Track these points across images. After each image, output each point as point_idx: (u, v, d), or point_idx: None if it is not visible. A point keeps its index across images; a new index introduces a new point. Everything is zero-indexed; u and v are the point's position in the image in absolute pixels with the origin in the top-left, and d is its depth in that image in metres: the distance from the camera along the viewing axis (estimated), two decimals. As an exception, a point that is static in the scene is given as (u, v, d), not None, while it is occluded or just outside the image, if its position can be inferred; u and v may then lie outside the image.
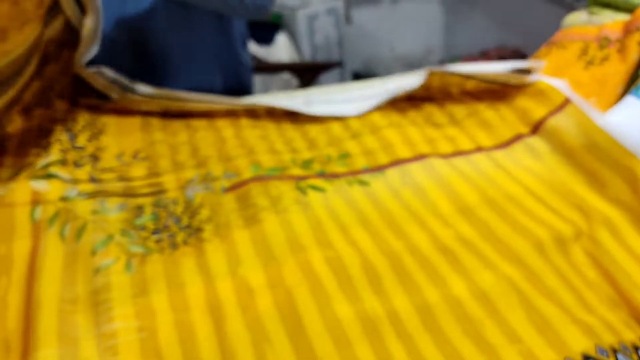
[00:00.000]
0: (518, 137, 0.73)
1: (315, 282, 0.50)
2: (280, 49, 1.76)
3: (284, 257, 0.52)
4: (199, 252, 0.53)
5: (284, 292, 0.49)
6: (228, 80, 0.96)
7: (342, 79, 2.10)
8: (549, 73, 0.79)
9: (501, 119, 0.76)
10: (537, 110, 0.74)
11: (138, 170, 0.65)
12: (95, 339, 0.45)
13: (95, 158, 0.64)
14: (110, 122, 0.69)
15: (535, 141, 0.72)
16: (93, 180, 0.62)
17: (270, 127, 0.76)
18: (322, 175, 0.66)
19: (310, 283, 0.49)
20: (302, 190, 0.62)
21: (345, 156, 0.69)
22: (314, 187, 0.63)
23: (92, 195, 0.60)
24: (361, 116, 0.77)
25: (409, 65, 2.23)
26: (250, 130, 0.76)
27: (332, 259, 0.52)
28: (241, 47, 0.97)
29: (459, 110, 0.79)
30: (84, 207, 0.58)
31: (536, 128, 0.73)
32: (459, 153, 0.71)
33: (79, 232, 0.55)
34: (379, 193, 0.63)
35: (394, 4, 2.22)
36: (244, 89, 0.99)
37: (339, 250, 0.53)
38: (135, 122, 0.71)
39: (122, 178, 0.64)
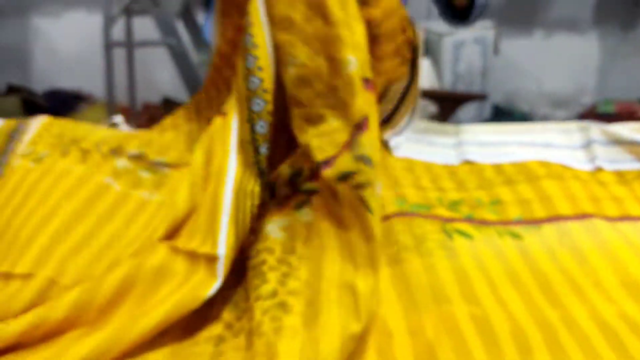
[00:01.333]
0: (699, 209, 0.64)
1: (459, 339, 0.46)
2: (422, 75, 1.73)
3: (426, 306, 0.50)
4: None
5: (425, 343, 0.46)
6: None
7: (481, 111, 2.02)
8: None
9: (679, 184, 0.67)
10: None
11: None
12: None
13: None
14: None
15: None
16: None
17: (415, 160, 0.74)
18: (470, 220, 0.62)
19: (454, 340, 0.46)
20: (448, 234, 0.59)
21: (496, 202, 0.65)
22: (461, 232, 0.60)
23: None
24: (517, 162, 0.72)
25: (557, 103, 2.10)
26: (395, 161, 0.75)
27: (479, 317, 0.49)
28: None
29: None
30: None
31: None
32: (626, 217, 0.63)
33: None
34: (533, 250, 0.58)
35: (548, 37, 2.10)
36: None
37: (486, 309, 0.49)
38: None
39: None
